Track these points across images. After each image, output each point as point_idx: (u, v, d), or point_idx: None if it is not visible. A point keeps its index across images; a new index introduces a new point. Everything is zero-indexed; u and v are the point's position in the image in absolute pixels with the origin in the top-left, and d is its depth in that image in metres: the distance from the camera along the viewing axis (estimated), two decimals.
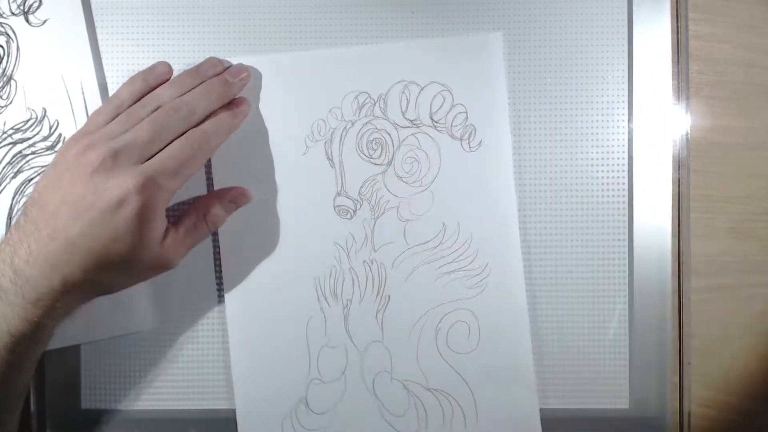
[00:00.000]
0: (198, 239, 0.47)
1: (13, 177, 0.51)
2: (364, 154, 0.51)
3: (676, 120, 0.51)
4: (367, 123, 0.50)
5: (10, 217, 0.51)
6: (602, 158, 0.51)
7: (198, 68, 0.48)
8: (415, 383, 0.51)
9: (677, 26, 0.51)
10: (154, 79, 0.48)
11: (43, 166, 0.51)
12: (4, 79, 0.51)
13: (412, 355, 0.51)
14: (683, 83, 0.51)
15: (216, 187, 0.50)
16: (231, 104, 0.48)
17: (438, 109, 0.50)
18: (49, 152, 0.51)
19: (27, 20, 0.51)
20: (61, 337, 0.49)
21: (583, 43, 0.51)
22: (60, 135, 0.51)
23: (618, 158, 0.51)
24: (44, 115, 0.51)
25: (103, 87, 0.51)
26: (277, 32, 0.51)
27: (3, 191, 0.51)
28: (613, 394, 0.51)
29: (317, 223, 0.51)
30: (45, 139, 0.51)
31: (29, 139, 0.51)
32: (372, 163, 0.51)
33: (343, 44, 0.51)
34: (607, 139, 0.51)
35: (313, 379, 0.51)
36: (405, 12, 0.51)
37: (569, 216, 0.51)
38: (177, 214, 0.47)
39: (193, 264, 0.50)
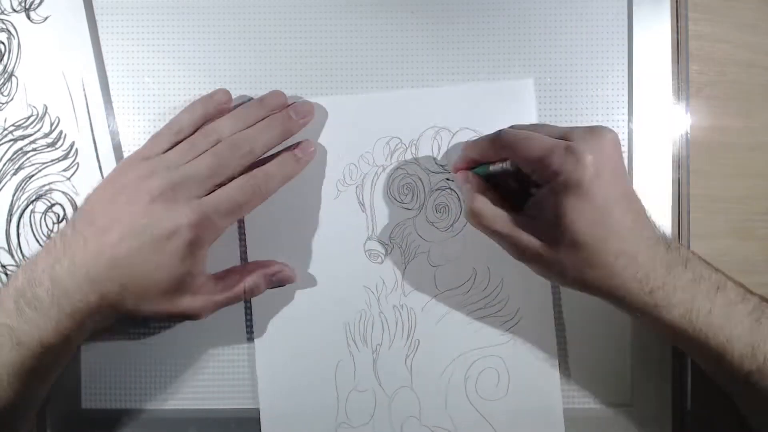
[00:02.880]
0: (230, 301, 0.47)
1: (14, 174, 0.51)
2: (395, 199, 0.51)
3: (676, 120, 0.51)
4: (398, 168, 0.51)
5: (10, 214, 0.51)
6: None
7: (261, 100, 0.48)
8: (444, 429, 0.51)
9: (677, 26, 0.51)
10: (214, 106, 0.48)
11: (44, 163, 0.51)
12: (5, 75, 0.51)
13: (441, 401, 0.51)
14: (683, 83, 0.51)
15: (247, 229, 0.50)
16: (296, 147, 0.48)
17: None
18: (50, 149, 0.51)
19: (28, 17, 0.51)
20: None
21: (583, 43, 0.51)
22: (61, 132, 0.51)
23: None
24: (45, 112, 0.51)
25: (104, 84, 0.51)
26: (276, 31, 0.51)
27: (3, 188, 0.50)
28: (616, 392, 0.51)
29: (348, 268, 0.51)
30: (46, 135, 0.51)
31: (30, 135, 0.51)
32: (403, 207, 0.51)
33: (345, 41, 0.51)
34: None
35: (341, 423, 0.51)
36: (405, 12, 0.51)
37: None
38: (219, 273, 0.48)
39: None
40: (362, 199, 0.51)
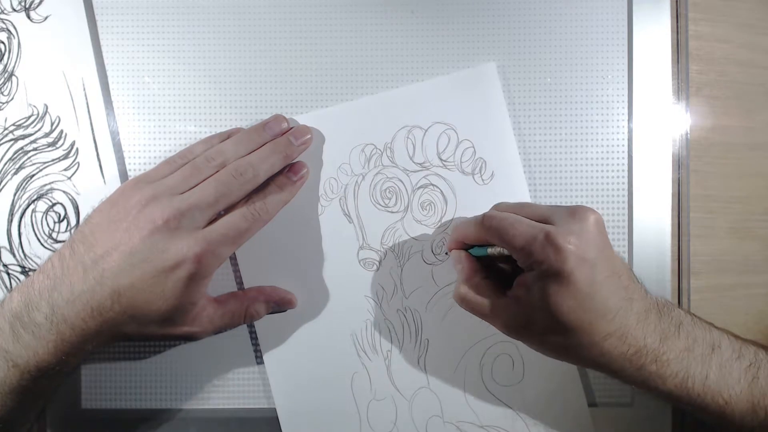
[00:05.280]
0: (230, 325, 0.47)
1: (15, 173, 0.50)
2: (379, 204, 0.51)
3: (675, 120, 0.51)
4: (377, 173, 0.51)
5: (11, 214, 0.50)
6: (602, 158, 0.51)
7: (265, 125, 0.48)
8: (468, 423, 0.51)
9: (677, 26, 0.51)
10: None
11: (44, 163, 0.50)
12: (6, 75, 0.50)
13: (461, 395, 0.51)
14: (683, 83, 0.51)
15: (240, 260, 0.51)
16: (290, 170, 0.48)
17: (445, 148, 0.51)
18: (50, 149, 0.50)
19: (28, 16, 0.50)
20: None
21: (583, 43, 0.51)
22: (62, 131, 0.50)
23: (618, 158, 0.51)
24: (46, 112, 0.51)
25: (104, 83, 0.51)
26: (276, 31, 0.51)
27: (4, 188, 0.50)
28: (616, 392, 0.51)
29: (345, 280, 0.51)
30: (47, 135, 0.50)
31: (31, 135, 0.50)
32: (389, 211, 0.51)
33: (345, 41, 0.51)
34: (607, 139, 0.51)
35: None
36: (405, 11, 0.51)
37: None
38: (221, 297, 0.48)
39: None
40: (347, 210, 0.51)
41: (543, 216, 0.42)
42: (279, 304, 0.50)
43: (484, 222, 0.43)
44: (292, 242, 0.50)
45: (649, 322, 0.40)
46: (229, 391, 0.52)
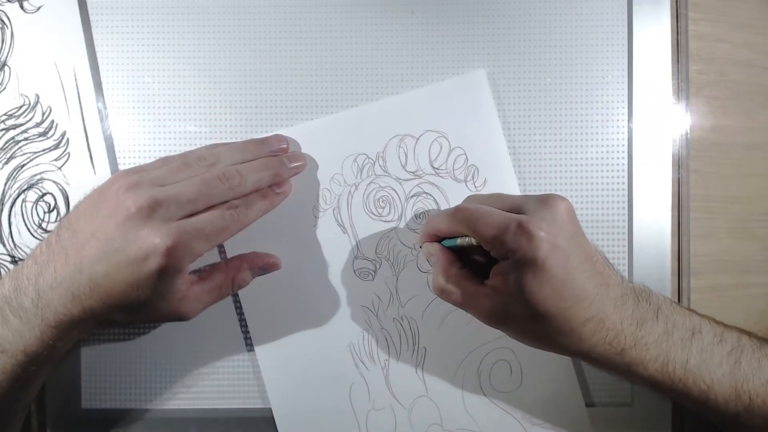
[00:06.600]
0: (219, 298, 0.47)
1: (6, 163, 0.50)
2: (373, 214, 0.50)
3: (675, 120, 0.51)
4: (370, 183, 0.50)
5: (2, 204, 0.50)
6: (602, 158, 0.51)
7: (265, 140, 0.48)
8: (468, 430, 0.50)
9: (677, 26, 0.51)
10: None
11: (35, 152, 0.50)
12: None
13: (459, 403, 0.50)
14: (683, 83, 0.52)
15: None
16: (275, 183, 0.48)
17: (437, 156, 0.50)
18: (41, 138, 0.50)
19: (21, 6, 0.50)
20: None
21: (583, 44, 0.51)
22: (53, 121, 0.50)
23: (618, 158, 0.51)
24: (37, 102, 0.50)
25: (95, 73, 0.51)
26: (275, 30, 0.51)
27: None
28: (616, 392, 0.51)
29: (341, 290, 0.50)
30: (38, 125, 0.50)
31: (22, 125, 0.50)
32: (383, 221, 0.50)
33: (346, 42, 0.51)
34: (607, 139, 0.51)
35: None
36: (405, 12, 0.51)
37: None
38: (204, 273, 0.47)
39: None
40: (341, 220, 0.50)
41: (515, 206, 0.42)
42: (263, 268, 0.49)
43: (456, 214, 0.43)
44: (287, 255, 0.50)
45: (626, 307, 0.40)
46: (230, 391, 0.51)
